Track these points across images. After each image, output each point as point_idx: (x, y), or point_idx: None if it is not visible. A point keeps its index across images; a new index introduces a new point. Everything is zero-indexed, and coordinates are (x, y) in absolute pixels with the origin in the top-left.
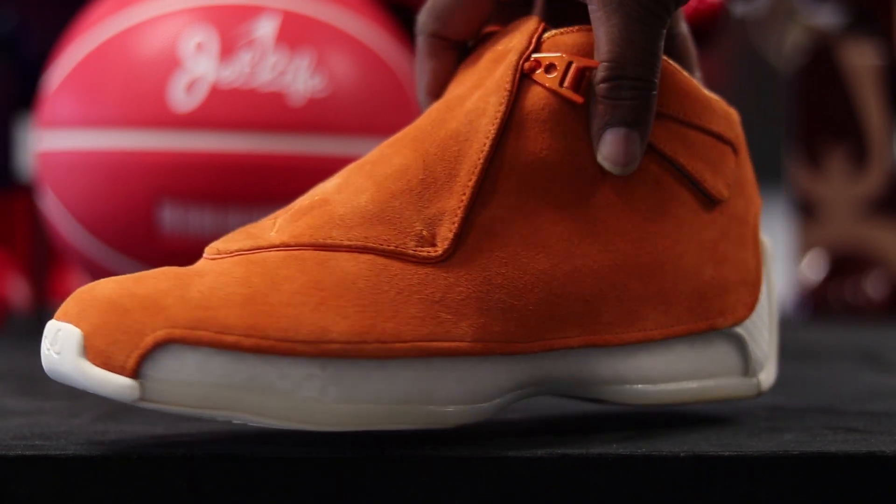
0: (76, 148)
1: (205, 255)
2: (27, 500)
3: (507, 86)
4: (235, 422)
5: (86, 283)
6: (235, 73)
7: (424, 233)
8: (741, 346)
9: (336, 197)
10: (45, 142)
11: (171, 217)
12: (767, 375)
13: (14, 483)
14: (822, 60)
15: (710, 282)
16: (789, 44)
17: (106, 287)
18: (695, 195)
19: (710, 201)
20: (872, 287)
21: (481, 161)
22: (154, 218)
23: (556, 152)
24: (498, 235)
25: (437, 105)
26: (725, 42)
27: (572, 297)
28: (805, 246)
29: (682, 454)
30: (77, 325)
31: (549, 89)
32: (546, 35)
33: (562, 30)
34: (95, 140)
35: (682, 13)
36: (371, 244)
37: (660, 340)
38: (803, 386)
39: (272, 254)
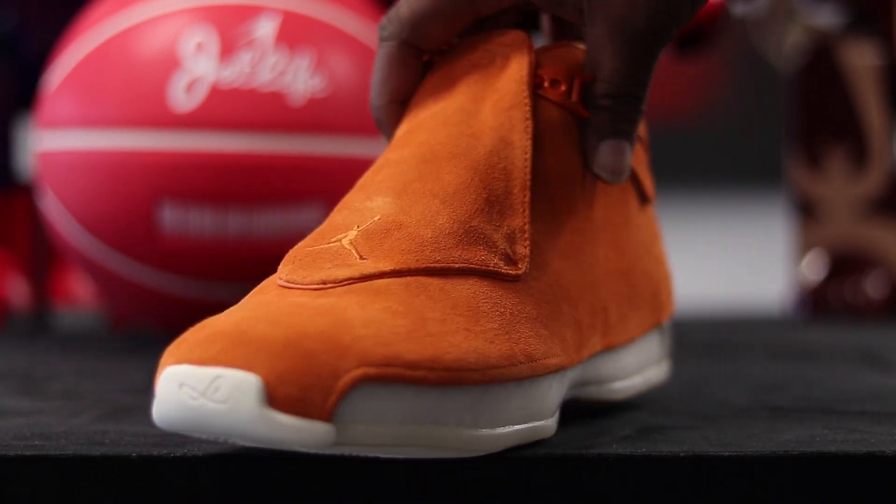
0: (76, 148)
1: (290, 283)
2: (27, 500)
3: (527, 100)
4: (409, 457)
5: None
6: (235, 73)
7: (508, 251)
8: (662, 336)
9: (408, 219)
10: (45, 142)
11: (171, 217)
12: (667, 362)
13: (14, 483)
14: (822, 60)
15: (655, 280)
16: (789, 44)
17: (264, 327)
18: (637, 199)
19: (644, 203)
20: (872, 287)
21: (528, 177)
22: (154, 218)
23: (565, 164)
24: (547, 250)
25: (445, 117)
26: (725, 42)
27: (598, 303)
28: (805, 246)
29: (682, 454)
30: (252, 371)
31: (557, 103)
32: (538, 49)
33: (553, 45)
34: (95, 140)
35: None
36: (473, 265)
37: (637, 338)
38: (803, 386)
39: (388, 282)
